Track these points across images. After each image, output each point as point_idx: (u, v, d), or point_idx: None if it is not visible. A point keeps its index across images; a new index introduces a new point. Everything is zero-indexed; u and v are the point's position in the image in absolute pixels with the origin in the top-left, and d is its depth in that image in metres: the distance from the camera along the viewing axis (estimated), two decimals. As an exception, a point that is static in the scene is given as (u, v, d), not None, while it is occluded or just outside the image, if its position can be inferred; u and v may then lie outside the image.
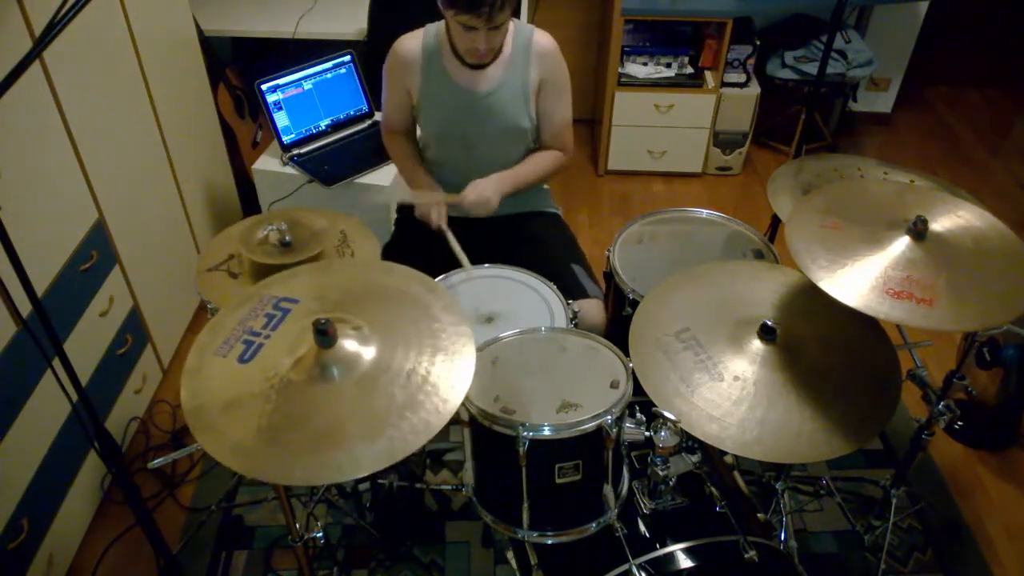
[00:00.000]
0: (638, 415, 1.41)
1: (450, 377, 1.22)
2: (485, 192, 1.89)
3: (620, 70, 3.37)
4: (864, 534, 2.05)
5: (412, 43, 1.95)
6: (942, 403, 1.69)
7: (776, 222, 2.27)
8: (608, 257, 1.91)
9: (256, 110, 3.22)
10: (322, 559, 2.06)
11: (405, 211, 2.22)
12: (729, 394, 1.37)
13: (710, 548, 1.44)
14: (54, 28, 1.12)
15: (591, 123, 3.92)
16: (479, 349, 1.41)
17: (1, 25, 1.73)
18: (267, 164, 2.69)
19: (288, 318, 1.34)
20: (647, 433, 1.39)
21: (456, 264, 1.87)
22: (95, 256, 2.10)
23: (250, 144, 3.17)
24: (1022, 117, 4.18)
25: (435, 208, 1.93)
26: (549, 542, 1.50)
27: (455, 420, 1.26)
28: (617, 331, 1.76)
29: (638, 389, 1.40)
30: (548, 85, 1.94)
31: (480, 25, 1.73)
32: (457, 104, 1.94)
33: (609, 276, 1.91)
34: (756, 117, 3.51)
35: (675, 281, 1.60)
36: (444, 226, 1.92)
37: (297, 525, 1.48)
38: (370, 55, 2.91)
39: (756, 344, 1.43)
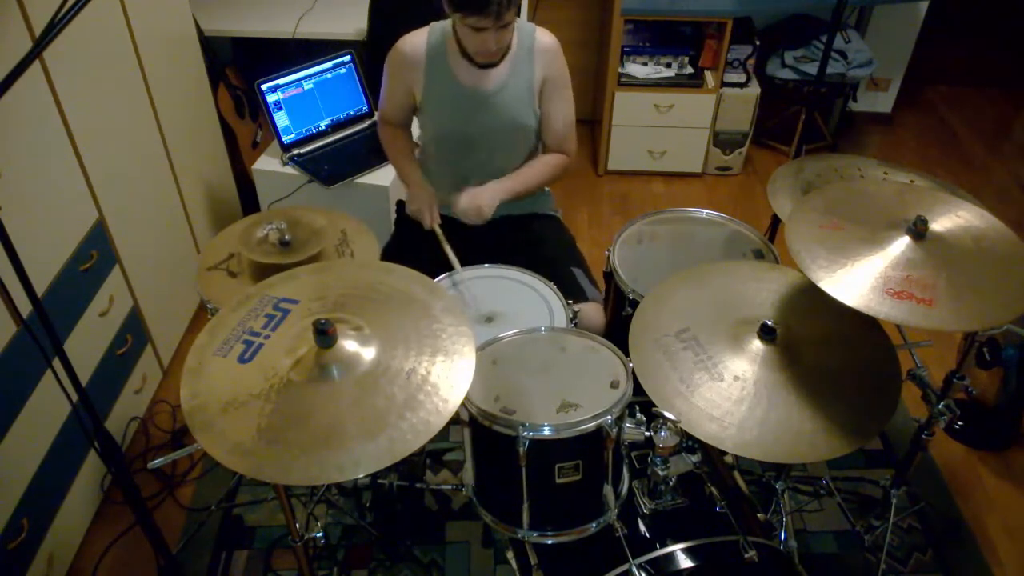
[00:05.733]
0: (638, 415, 1.41)
1: (450, 377, 1.22)
2: (478, 200, 1.87)
3: (620, 70, 3.37)
4: (864, 534, 2.05)
5: (416, 41, 1.94)
6: (942, 403, 1.69)
7: (776, 222, 2.27)
8: (608, 257, 1.91)
9: (256, 110, 3.22)
10: (322, 559, 2.06)
11: (405, 210, 2.22)
12: (729, 394, 1.37)
13: (710, 548, 1.44)
14: (54, 28, 1.12)
15: (591, 123, 3.91)
16: (479, 349, 1.41)
17: (1, 25, 1.73)
18: (267, 164, 2.69)
19: (288, 318, 1.34)
20: (647, 433, 1.39)
21: (450, 266, 1.87)
22: (95, 256, 2.10)
23: (250, 144, 3.17)
24: (1022, 117, 4.18)
25: (427, 208, 1.93)
26: (549, 542, 1.50)
27: (455, 420, 1.26)
28: (617, 331, 1.76)
29: (638, 389, 1.40)
30: (550, 83, 1.94)
31: (489, 25, 1.73)
32: (461, 104, 1.93)
33: (609, 276, 1.91)
34: (756, 117, 3.51)
35: (675, 281, 1.60)
36: (436, 227, 1.92)
37: (297, 525, 1.48)
38: (370, 55, 2.91)
39: (756, 344, 1.43)
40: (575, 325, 1.72)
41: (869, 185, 1.80)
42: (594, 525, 1.48)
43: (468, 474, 1.57)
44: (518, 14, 1.82)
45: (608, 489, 1.47)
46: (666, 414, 1.33)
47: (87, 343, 2.09)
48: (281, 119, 2.66)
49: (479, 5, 1.68)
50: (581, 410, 1.38)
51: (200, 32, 2.81)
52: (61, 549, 2.00)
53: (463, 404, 1.34)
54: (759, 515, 1.65)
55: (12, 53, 1.75)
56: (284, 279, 1.43)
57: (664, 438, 1.38)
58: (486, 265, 1.88)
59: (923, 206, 1.52)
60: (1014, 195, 3.59)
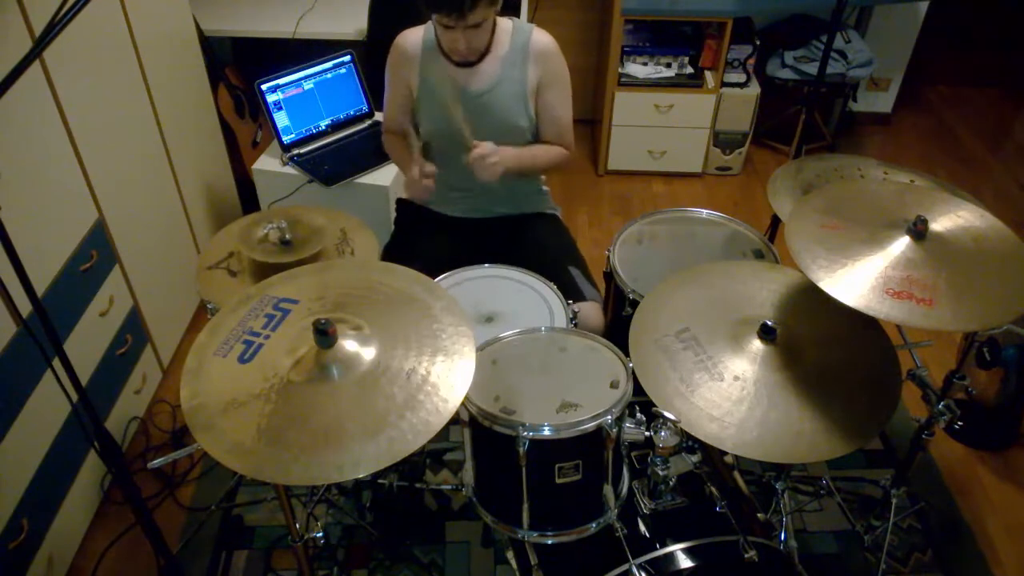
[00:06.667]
0: (638, 415, 1.41)
1: (450, 377, 1.22)
2: (496, 155, 1.82)
3: (620, 70, 3.37)
4: (864, 534, 2.05)
5: (413, 37, 1.96)
6: (942, 403, 1.69)
7: (776, 222, 2.27)
8: (608, 257, 1.91)
9: (256, 110, 3.22)
10: (322, 559, 2.06)
11: (404, 210, 2.21)
12: (729, 394, 1.37)
13: (710, 548, 1.44)
14: (54, 28, 1.12)
15: (591, 123, 3.91)
16: (479, 349, 1.41)
17: (1, 25, 1.73)
18: (267, 164, 2.69)
19: (288, 318, 1.34)
20: (647, 433, 1.39)
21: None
22: (95, 256, 2.10)
23: (250, 144, 3.17)
24: (1022, 117, 4.18)
25: (418, 163, 1.87)
26: (549, 542, 1.50)
27: (455, 420, 1.26)
28: (617, 331, 1.76)
29: (638, 389, 1.40)
30: (547, 84, 1.94)
31: (454, 24, 1.73)
32: (453, 100, 1.93)
33: (609, 276, 1.91)
34: (756, 117, 3.51)
35: (675, 281, 1.60)
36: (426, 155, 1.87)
37: (297, 525, 1.48)
38: (370, 55, 2.91)
39: (756, 344, 1.43)
40: (575, 326, 1.72)
41: (869, 185, 1.80)
42: (594, 525, 1.48)
43: (468, 474, 1.57)
44: (517, 15, 1.81)
45: (608, 489, 1.47)
46: (666, 414, 1.33)
47: (87, 343, 2.09)
48: (281, 119, 2.66)
49: (442, 2, 1.69)
50: (581, 410, 1.38)
51: (200, 32, 2.81)
52: (61, 549, 2.00)
53: (463, 404, 1.34)
54: (759, 515, 1.65)
55: (12, 53, 1.75)
56: (284, 279, 1.43)
57: (664, 438, 1.38)
58: (486, 265, 1.88)
59: (923, 206, 1.52)
60: (1014, 195, 3.59)
